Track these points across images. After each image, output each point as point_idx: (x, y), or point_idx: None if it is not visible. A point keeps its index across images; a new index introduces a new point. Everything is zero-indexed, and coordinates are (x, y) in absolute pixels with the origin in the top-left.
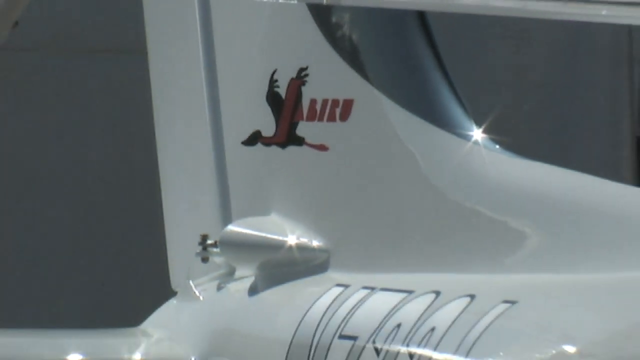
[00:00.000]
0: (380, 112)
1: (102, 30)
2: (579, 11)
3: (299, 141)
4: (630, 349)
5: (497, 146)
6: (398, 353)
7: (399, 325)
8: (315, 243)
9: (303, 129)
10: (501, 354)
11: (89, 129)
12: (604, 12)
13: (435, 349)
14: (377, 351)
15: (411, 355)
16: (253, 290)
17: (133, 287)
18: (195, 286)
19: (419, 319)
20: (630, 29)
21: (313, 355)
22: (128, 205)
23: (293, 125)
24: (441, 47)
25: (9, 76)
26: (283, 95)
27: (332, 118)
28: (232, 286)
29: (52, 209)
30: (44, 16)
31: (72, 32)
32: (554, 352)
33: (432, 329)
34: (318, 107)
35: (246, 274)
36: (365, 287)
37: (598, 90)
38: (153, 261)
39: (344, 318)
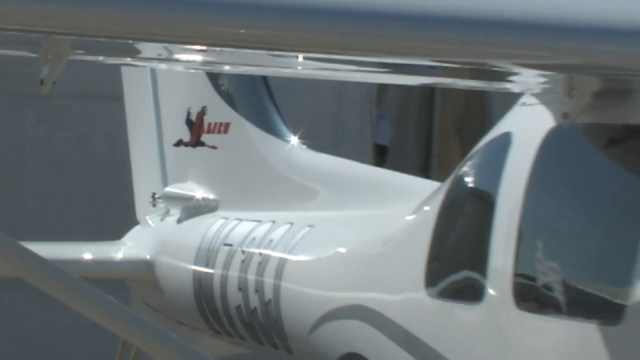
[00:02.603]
0: (243, 128)
1: (102, 85)
2: (345, 75)
3: (202, 144)
4: (374, 250)
5: (304, 146)
6: (253, 253)
7: (254, 238)
8: (211, 196)
9: (204, 138)
10: (307, 252)
11: (97, 136)
12: (358, 76)
13: (273, 250)
14: (243, 252)
15: (260, 254)
16: (179, 221)
17: (118, 218)
18: (149, 219)
19: (264, 235)
20: (371, 85)
21: (209, 255)
22: (115, 176)
23: (199, 136)
24: (274, 92)
25: (49, 110)
26: (194, 120)
27: (219, 132)
28: (168, 219)
29: (76, 176)
30: (69, 77)
31: (85, 86)
32: (333, 252)
33: (271, 240)
34: (212, 126)
35: (175, 213)
36: (237, 219)
37: (355, 118)
38: (129, 206)
39: (226, 234)
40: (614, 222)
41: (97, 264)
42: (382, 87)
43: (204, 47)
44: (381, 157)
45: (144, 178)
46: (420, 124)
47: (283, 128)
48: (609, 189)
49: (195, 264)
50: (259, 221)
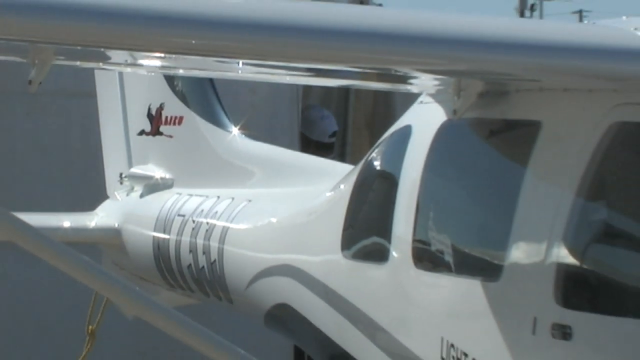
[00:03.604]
0: (194, 121)
1: (79, 85)
2: (277, 78)
3: (161, 134)
4: (300, 220)
5: (243, 136)
6: (202, 222)
7: (202, 210)
8: (167, 176)
9: (163, 128)
10: (245, 221)
11: (74, 127)
12: (287, 78)
13: (217, 219)
14: (193, 221)
15: (207, 223)
16: (141, 196)
17: (92, 194)
18: (117, 194)
19: (211, 207)
20: (298, 87)
21: (166, 223)
22: (90, 159)
23: (158, 127)
24: (219, 91)
25: (35, 105)
26: (154, 114)
27: (174, 123)
28: (132, 194)
29: (55, 154)
30: (52, 78)
31: (65, 85)
32: (266, 221)
33: (216, 212)
34: (169, 119)
35: (138, 189)
36: (188, 194)
37: (285, 113)
38: (101, 183)
39: (179, 206)
40: (492, 198)
41: (74, 230)
42: (307, 89)
43: (161, 55)
44: (320, 152)
45: (112, 161)
46: (338, 118)
47: (226, 121)
48: (490, 171)
49: (155, 231)
50: (207, 196)
